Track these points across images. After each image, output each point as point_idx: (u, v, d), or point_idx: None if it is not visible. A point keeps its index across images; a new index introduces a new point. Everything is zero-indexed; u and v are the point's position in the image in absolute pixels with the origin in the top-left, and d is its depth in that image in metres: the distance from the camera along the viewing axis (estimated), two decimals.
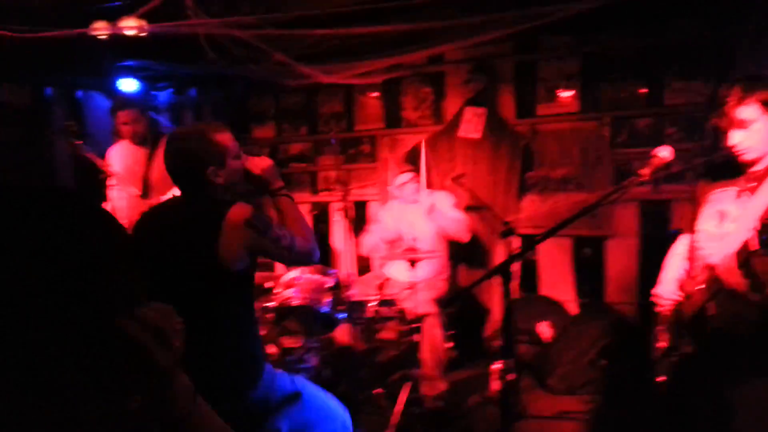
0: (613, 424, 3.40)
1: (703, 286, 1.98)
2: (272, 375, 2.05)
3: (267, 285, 3.78)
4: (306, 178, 5.51)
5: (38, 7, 3.24)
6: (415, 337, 3.62)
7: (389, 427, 3.24)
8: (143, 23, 3.23)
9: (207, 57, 3.72)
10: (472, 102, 4.69)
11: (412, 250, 3.57)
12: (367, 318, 3.66)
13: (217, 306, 1.93)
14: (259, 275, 2.27)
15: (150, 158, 4.07)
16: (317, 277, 3.47)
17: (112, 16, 3.23)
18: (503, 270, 2.18)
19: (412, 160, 4.87)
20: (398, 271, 4.01)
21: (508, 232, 3.36)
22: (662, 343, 2.21)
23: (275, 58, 3.84)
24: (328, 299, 3.37)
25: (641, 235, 4.26)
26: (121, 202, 3.89)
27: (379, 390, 3.58)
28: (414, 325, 3.61)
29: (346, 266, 4.64)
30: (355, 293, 3.75)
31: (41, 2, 3.24)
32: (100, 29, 3.28)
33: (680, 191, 3.92)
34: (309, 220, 5.30)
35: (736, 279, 1.78)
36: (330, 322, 3.49)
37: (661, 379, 2.19)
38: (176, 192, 3.69)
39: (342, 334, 3.67)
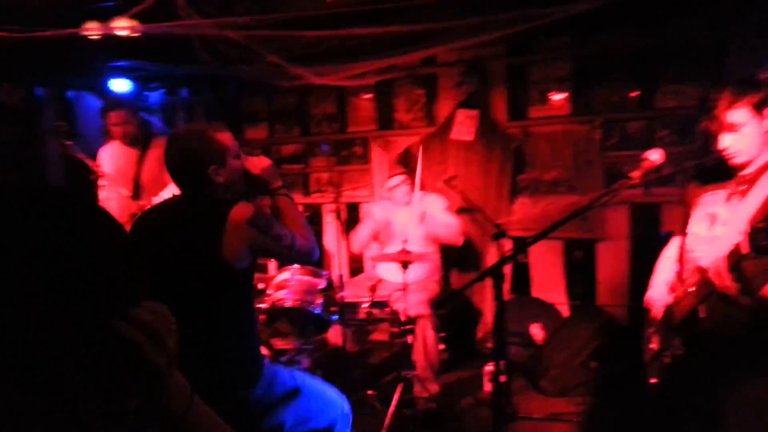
0: (605, 426, 3.42)
1: (694, 288, 2.00)
2: (273, 372, 2.07)
3: (259, 286, 3.77)
4: (298, 180, 5.51)
5: (30, 7, 3.22)
6: (408, 339, 3.62)
7: (382, 429, 3.24)
8: (135, 23, 3.22)
9: (199, 58, 3.72)
10: (465, 104, 4.70)
11: (404, 252, 3.57)
12: (359, 319, 3.66)
13: (218, 305, 1.95)
14: None
15: (141, 159, 4.06)
16: (309, 278, 3.46)
17: (105, 17, 3.22)
18: (495, 272, 2.19)
19: (404, 161, 4.87)
20: (390, 273, 4.01)
21: (499, 234, 3.38)
22: (653, 346, 2.22)
23: (268, 60, 3.84)
24: (320, 301, 3.36)
25: (632, 237, 4.28)
26: (112, 202, 3.87)
27: (372, 392, 3.59)
28: (406, 327, 3.61)
29: (338, 268, 4.64)
30: (347, 295, 3.75)
31: (33, 2, 3.22)
32: (92, 29, 3.27)
33: (671, 194, 3.95)
34: None
35: (726, 282, 1.79)
36: (322, 324, 3.48)
37: (652, 381, 2.20)
38: (166, 193, 3.70)
39: (334, 335, 3.67)
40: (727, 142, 1.95)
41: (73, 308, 0.66)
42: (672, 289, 2.17)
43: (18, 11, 3.18)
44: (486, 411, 3.40)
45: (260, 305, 3.46)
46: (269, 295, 3.43)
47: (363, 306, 3.65)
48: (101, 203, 3.91)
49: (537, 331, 4.17)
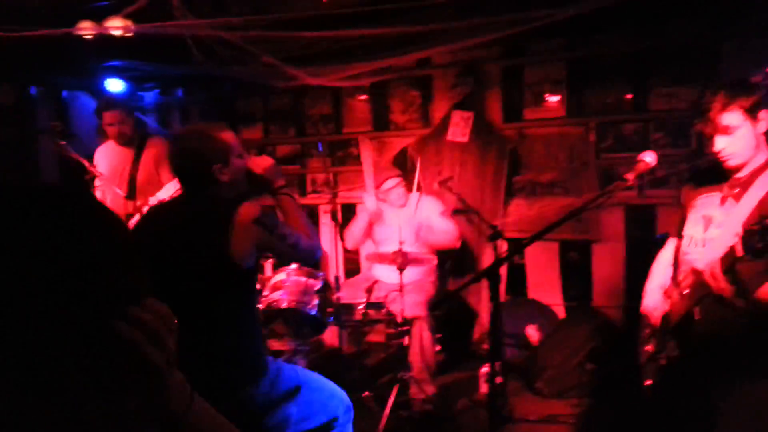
0: (600, 428, 3.43)
1: (689, 291, 2.00)
2: (277, 368, 2.10)
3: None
4: (294, 181, 5.50)
5: (24, 7, 3.21)
6: (404, 340, 3.61)
7: (378, 431, 3.24)
8: (129, 23, 3.21)
9: (194, 58, 3.70)
10: (460, 106, 4.70)
11: (400, 253, 3.57)
12: (355, 321, 3.65)
13: (223, 303, 1.98)
14: None
15: (136, 159, 4.04)
16: (305, 279, 3.45)
17: (99, 16, 3.21)
18: (491, 273, 2.19)
19: (400, 163, 4.88)
20: (386, 274, 4.01)
21: (495, 235, 3.38)
22: (649, 347, 2.23)
23: (263, 60, 3.83)
24: (316, 302, 3.35)
25: (627, 239, 4.29)
26: (106, 203, 3.86)
27: (368, 393, 3.58)
28: (402, 328, 3.60)
29: (334, 269, 4.63)
30: (343, 296, 3.74)
31: (28, 2, 3.20)
32: (86, 29, 3.25)
33: (665, 196, 3.96)
34: None
35: (721, 284, 1.79)
36: (318, 325, 3.48)
37: (647, 382, 2.20)
38: (162, 194, 3.68)
39: (330, 337, 3.67)
40: (721, 144, 1.96)
41: (73, 308, 0.66)
42: (667, 293, 2.18)
43: (12, 11, 3.16)
44: (482, 412, 3.39)
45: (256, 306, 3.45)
46: (265, 296, 3.43)
47: (359, 307, 3.65)
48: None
49: (533, 333, 4.18)
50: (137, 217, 3.76)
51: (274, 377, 2.05)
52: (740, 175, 2.00)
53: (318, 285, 3.44)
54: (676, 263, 2.19)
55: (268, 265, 4.03)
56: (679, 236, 2.19)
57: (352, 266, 5.06)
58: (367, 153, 4.39)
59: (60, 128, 4.07)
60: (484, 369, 3.62)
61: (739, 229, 1.71)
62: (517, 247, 3.79)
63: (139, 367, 0.73)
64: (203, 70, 4.17)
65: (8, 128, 4.66)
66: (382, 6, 3.28)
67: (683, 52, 3.98)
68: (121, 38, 3.34)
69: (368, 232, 4.17)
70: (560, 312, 4.46)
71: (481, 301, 4.57)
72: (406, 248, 3.64)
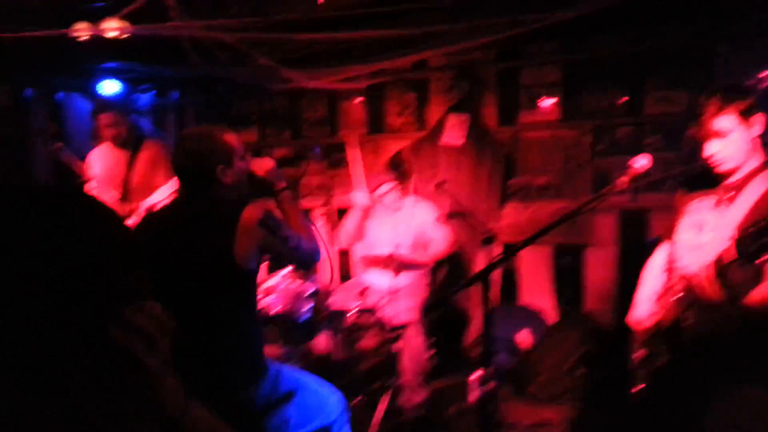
0: None
1: (681, 295, 2.00)
2: (277, 370, 2.12)
3: None
4: (288, 183, 5.48)
5: (20, 8, 3.20)
6: (396, 346, 3.60)
7: None
8: (126, 24, 3.20)
9: (190, 59, 3.70)
10: (456, 109, 4.70)
11: (394, 257, 3.56)
12: (347, 326, 3.63)
13: (226, 304, 2.00)
14: None
15: (131, 161, 4.03)
16: (297, 284, 3.44)
17: (95, 17, 3.20)
18: (484, 277, 2.18)
19: (395, 166, 4.87)
20: (379, 279, 3.99)
21: (489, 239, 3.37)
22: (640, 353, 2.22)
23: (259, 62, 3.83)
24: (308, 307, 3.34)
25: (620, 243, 4.29)
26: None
27: (359, 399, 3.56)
28: (395, 334, 3.59)
29: (327, 273, 4.61)
30: (335, 301, 3.73)
31: (23, 3, 3.20)
32: (82, 30, 3.25)
33: (659, 200, 3.96)
34: None
35: (712, 289, 1.79)
36: (310, 330, 3.46)
37: (639, 387, 2.20)
38: (157, 196, 3.67)
39: (322, 342, 3.65)
40: (714, 148, 1.96)
41: (73, 308, 0.66)
42: (659, 298, 2.17)
43: (7, 12, 3.15)
44: (474, 418, 3.38)
45: None
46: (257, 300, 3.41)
47: (351, 312, 3.63)
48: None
49: (525, 338, 4.17)
50: (133, 219, 3.75)
51: (274, 379, 2.07)
52: (733, 179, 2.00)
53: (310, 290, 3.42)
54: (669, 268, 2.19)
55: (263, 267, 4.02)
56: (672, 241, 2.19)
57: (345, 271, 5.04)
58: (354, 148, 4.38)
59: (54, 130, 4.06)
60: (476, 374, 3.60)
61: (732, 234, 1.71)
62: (511, 251, 3.78)
63: (134, 371, 0.73)
64: (199, 72, 4.17)
65: (2, 130, 4.65)
66: (379, 8, 3.28)
67: (678, 55, 3.98)
68: (117, 39, 3.34)
69: (361, 229, 4.14)
70: (552, 316, 4.45)
71: (473, 305, 4.56)
72: (401, 252, 3.63)
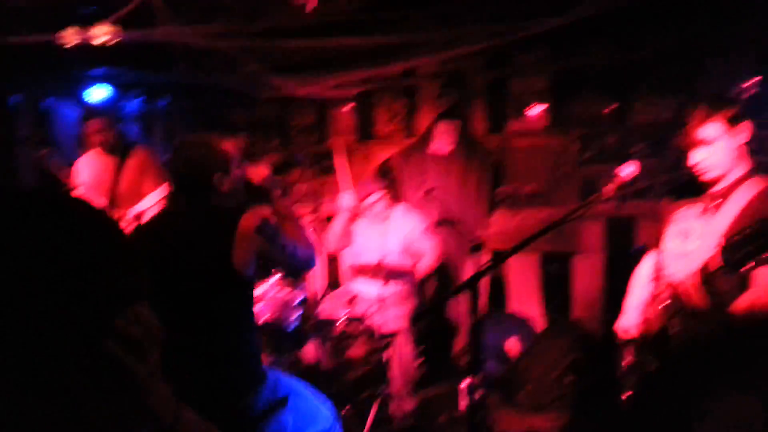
0: None
1: (668, 303, 2.00)
2: (275, 377, 2.14)
3: None
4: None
5: (7, 14, 3.18)
6: (385, 355, 3.59)
7: None
8: (115, 30, 3.19)
9: (179, 66, 3.69)
10: (444, 116, 4.71)
11: (382, 266, 3.55)
12: (335, 335, 3.62)
13: (225, 311, 2.03)
14: None
15: (119, 168, 4.00)
16: (285, 292, 3.42)
17: (84, 23, 3.18)
18: (472, 285, 2.18)
19: (384, 173, 4.87)
20: (367, 287, 3.98)
21: (477, 246, 3.38)
22: (627, 360, 2.23)
23: (248, 69, 3.83)
24: (296, 315, 3.32)
25: (607, 251, 4.31)
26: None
27: (348, 408, 3.54)
28: (383, 342, 3.58)
29: (315, 282, 4.60)
30: (324, 309, 3.71)
31: (10, 9, 3.17)
32: (70, 36, 3.23)
33: (645, 208, 3.98)
34: None
35: (698, 297, 1.80)
36: (298, 339, 3.45)
37: (627, 395, 2.20)
38: (145, 203, 3.65)
39: (310, 351, 3.63)
40: (699, 156, 1.98)
41: (72, 308, 0.66)
42: (646, 307, 2.18)
43: None
44: (463, 426, 3.37)
45: None
46: None
47: (339, 321, 3.61)
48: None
49: (513, 346, 4.16)
50: (122, 226, 3.72)
51: (273, 385, 2.08)
52: (719, 187, 2.01)
53: (298, 298, 3.41)
54: (656, 276, 2.19)
55: None
56: (659, 249, 2.20)
57: (333, 280, 5.02)
58: (341, 155, 4.38)
59: (40, 137, 4.03)
60: (465, 383, 3.59)
61: (718, 242, 1.72)
62: (498, 259, 3.80)
63: (122, 378, 0.72)
64: (188, 79, 4.16)
65: None
66: (368, 16, 3.29)
67: (665, 64, 4.02)
68: (106, 45, 3.32)
69: (348, 233, 4.11)
70: (541, 324, 4.45)
71: (461, 314, 4.56)
72: (389, 260, 3.62)
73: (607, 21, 3.34)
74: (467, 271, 4.54)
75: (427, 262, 3.95)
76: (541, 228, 2.03)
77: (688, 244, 2.03)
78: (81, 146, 4.24)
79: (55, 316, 0.65)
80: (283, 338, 3.46)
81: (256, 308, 3.30)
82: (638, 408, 2.13)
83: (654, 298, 2.13)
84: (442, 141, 4.69)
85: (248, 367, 2.06)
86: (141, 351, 0.74)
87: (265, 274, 3.50)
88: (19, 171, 4.73)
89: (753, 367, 1.87)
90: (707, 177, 2.00)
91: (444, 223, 4.45)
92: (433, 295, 4.50)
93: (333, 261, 4.78)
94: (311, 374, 3.59)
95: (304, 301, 3.43)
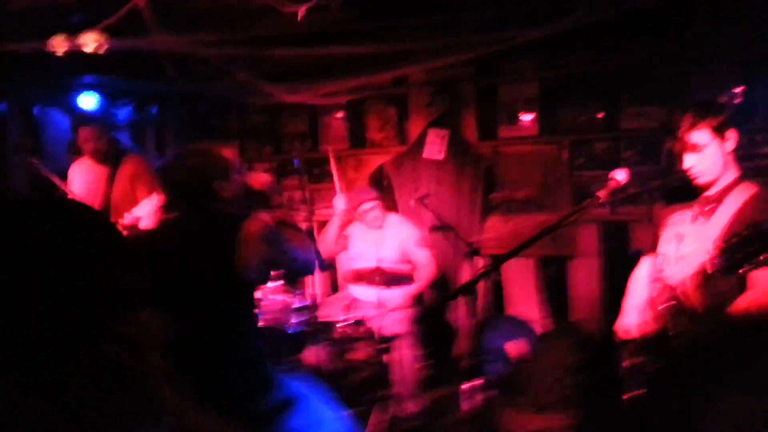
0: None
1: (667, 305, 2.02)
2: (285, 380, 2.17)
3: None
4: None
5: None
6: (386, 358, 3.58)
7: None
8: (104, 38, 3.18)
9: (169, 74, 3.68)
10: (436, 124, 4.74)
11: (379, 270, 3.55)
12: (336, 339, 3.61)
13: (232, 316, 2.07)
14: None
15: (111, 177, 3.98)
16: (283, 297, 3.42)
17: (73, 30, 3.17)
18: (469, 289, 2.19)
19: (376, 180, 4.87)
20: (365, 292, 3.97)
21: (472, 252, 3.39)
22: (628, 362, 2.24)
23: (238, 77, 3.83)
24: (295, 320, 3.32)
25: (603, 254, 4.34)
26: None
27: (350, 412, 3.53)
28: (384, 345, 3.58)
29: (314, 286, 4.58)
30: (323, 313, 3.70)
31: (0, 16, 3.16)
32: (59, 44, 3.22)
33: (637, 213, 4.01)
34: None
35: (697, 299, 1.81)
36: (298, 344, 3.44)
37: (629, 395, 2.21)
38: (139, 211, 3.63)
39: (310, 355, 3.62)
40: (690, 162, 2.00)
41: (74, 310, 0.67)
42: (644, 310, 2.19)
43: None
44: (467, 428, 3.37)
45: None
46: None
47: (339, 325, 3.61)
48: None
49: (517, 347, 4.16)
50: None
51: (283, 388, 2.11)
52: (710, 192, 2.04)
53: (298, 303, 3.40)
54: (654, 279, 2.21)
55: None
56: (655, 253, 2.22)
57: (332, 284, 5.02)
58: (333, 159, 4.39)
59: (30, 145, 4.00)
60: (466, 386, 3.59)
61: (712, 246, 1.74)
62: (494, 263, 3.80)
63: (123, 379, 0.73)
64: (178, 87, 4.15)
65: None
66: (358, 25, 3.31)
67: (653, 72, 4.07)
68: (95, 53, 3.31)
69: (341, 237, 4.10)
70: (541, 326, 4.47)
71: (460, 317, 4.57)
72: (384, 266, 3.62)
73: (594, 30, 3.37)
74: (464, 276, 4.56)
75: (426, 275, 3.96)
76: (535, 233, 2.04)
77: (683, 248, 2.06)
78: (72, 154, 4.22)
79: (57, 318, 0.66)
80: (282, 343, 3.45)
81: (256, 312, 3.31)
82: (640, 408, 2.14)
83: (653, 299, 2.15)
84: (434, 148, 4.71)
85: (259, 370, 2.09)
86: (142, 353, 0.75)
87: (266, 279, 3.50)
88: (10, 180, 4.69)
89: (753, 367, 1.90)
90: (699, 181, 2.02)
91: (438, 229, 4.46)
92: (432, 299, 4.51)
93: (331, 265, 4.77)
94: (313, 378, 3.58)
95: (306, 306, 3.43)
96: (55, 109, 5.05)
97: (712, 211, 2.01)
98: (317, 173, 5.28)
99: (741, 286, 1.85)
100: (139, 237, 2.31)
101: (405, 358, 3.59)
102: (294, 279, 3.40)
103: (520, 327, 4.39)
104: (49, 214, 0.72)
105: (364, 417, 3.42)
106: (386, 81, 4.70)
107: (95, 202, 3.91)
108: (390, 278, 3.71)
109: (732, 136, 1.99)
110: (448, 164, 4.68)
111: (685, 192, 2.11)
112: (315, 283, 4.57)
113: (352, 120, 5.17)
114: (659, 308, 2.06)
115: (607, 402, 2.35)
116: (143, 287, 0.77)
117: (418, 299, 4.12)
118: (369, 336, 3.63)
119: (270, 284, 3.44)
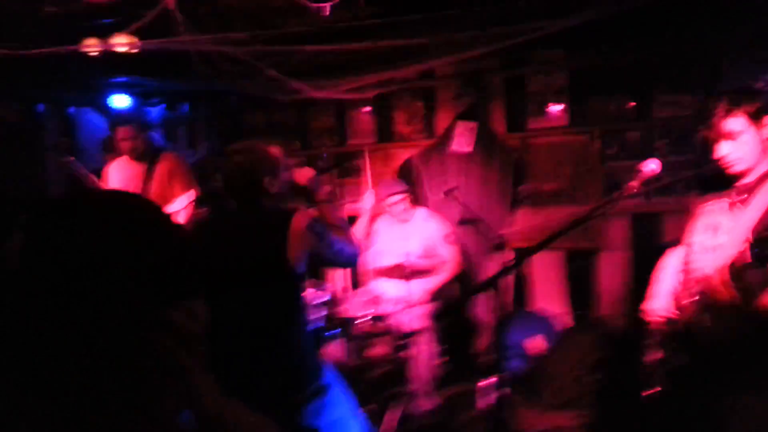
0: None
1: (697, 298, 1.98)
2: (329, 370, 2.24)
3: None
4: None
5: (31, 25, 3.24)
6: (407, 353, 3.59)
7: None
8: (134, 40, 3.24)
9: (198, 73, 3.73)
10: (464, 116, 4.71)
11: (404, 266, 3.55)
12: (358, 334, 3.63)
13: (284, 307, 2.13)
14: None
15: (148, 174, 4.06)
16: (309, 292, 3.44)
17: (104, 33, 3.24)
18: (495, 283, 2.18)
19: (405, 174, 4.87)
20: (390, 287, 3.99)
21: (500, 245, 3.37)
22: (655, 356, 2.20)
23: (267, 74, 3.85)
24: (319, 315, 3.34)
25: (633, 247, 4.26)
26: None
27: (371, 407, 3.55)
28: (406, 341, 3.58)
29: (338, 281, 4.61)
30: (346, 309, 3.72)
31: (33, 20, 3.24)
32: (92, 46, 3.29)
33: (670, 203, 3.94)
34: None
35: (728, 291, 1.78)
36: (321, 339, 3.46)
37: (653, 391, 2.18)
38: (174, 207, 3.71)
39: (333, 350, 3.65)
40: (725, 150, 1.95)
41: (74, 309, 0.67)
42: (676, 300, 2.16)
43: (19, 29, 3.20)
44: (486, 425, 3.36)
45: None
46: None
47: (362, 320, 3.63)
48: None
49: (537, 344, 4.14)
50: None
51: (327, 379, 2.17)
52: (746, 181, 1.99)
53: (322, 298, 3.42)
54: (685, 271, 2.17)
55: None
56: (687, 243, 2.18)
57: (357, 279, 5.04)
58: (361, 154, 4.42)
59: (67, 145, 4.10)
60: (487, 381, 3.58)
61: (747, 236, 1.70)
62: (523, 256, 3.78)
63: (168, 370, 0.74)
64: (208, 86, 4.20)
65: (16, 145, 4.70)
66: (384, 19, 3.30)
67: (685, 60, 3.97)
68: (126, 54, 3.37)
69: (369, 233, 4.11)
70: (565, 322, 4.42)
71: (484, 312, 4.55)
72: (410, 260, 3.62)
73: (623, 19, 3.31)
74: (489, 270, 4.53)
75: (448, 270, 3.95)
76: (564, 225, 2.02)
77: (716, 239, 2.01)
78: (107, 153, 4.31)
79: (109, 303, 0.67)
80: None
81: None
82: (665, 404, 2.11)
83: (682, 291, 2.11)
84: (462, 141, 4.68)
85: (307, 361, 2.15)
86: (188, 343, 0.76)
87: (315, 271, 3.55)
88: (47, 179, 4.82)
89: None
90: (734, 170, 1.97)
91: (466, 222, 4.45)
92: (454, 293, 4.49)
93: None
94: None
95: (328, 300, 3.45)
96: (89, 109, 5.16)
97: (749, 199, 1.95)
98: (346, 168, 5.30)
99: None
100: (191, 229, 2.37)
101: (426, 354, 3.59)
102: (343, 267, 3.43)
103: (542, 323, 4.35)
104: (108, 204, 0.74)
105: (384, 412, 3.43)
106: (413, 75, 4.68)
107: None
108: (413, 273, 3.70)
109: None
110: (477, 157, 4.65)
111: (721, 181, 2.06)
112: (338, 278, 4.60)
113: (379, 114, 5.17)
114: (692, 300, 2.02)
115: (629, 399, 2.32)
116: (194, 277, 0.78)
117: (438, 294, 4.11)
118: (391, 331, 3.64)
119: None
